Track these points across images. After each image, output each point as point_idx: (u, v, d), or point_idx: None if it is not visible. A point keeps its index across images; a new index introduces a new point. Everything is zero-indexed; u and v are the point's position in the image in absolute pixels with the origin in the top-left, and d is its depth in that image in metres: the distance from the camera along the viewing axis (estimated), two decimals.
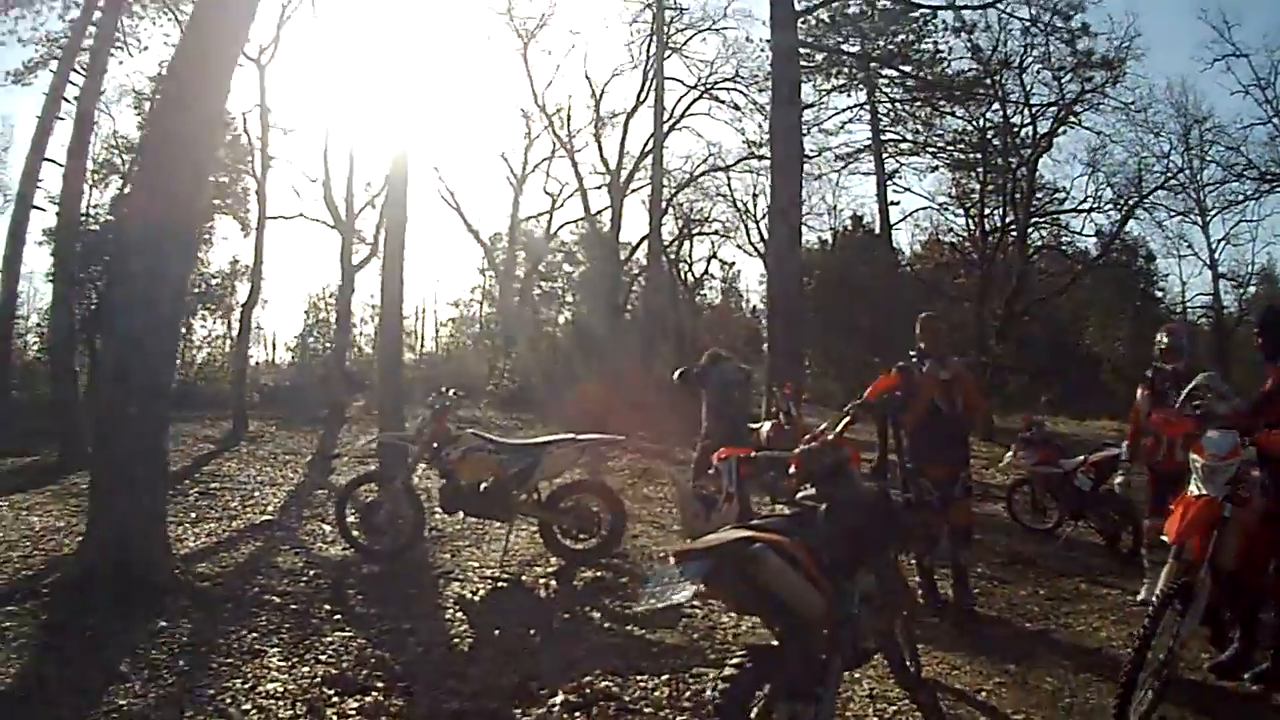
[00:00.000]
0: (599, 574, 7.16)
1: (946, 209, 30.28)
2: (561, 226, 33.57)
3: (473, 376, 23.63)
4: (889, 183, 28.74)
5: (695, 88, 28.27)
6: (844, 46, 24.57)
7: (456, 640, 5.50)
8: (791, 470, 4.24)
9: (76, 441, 11.77)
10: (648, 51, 26.45)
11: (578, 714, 4.24)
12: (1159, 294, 33.11)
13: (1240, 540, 4.42)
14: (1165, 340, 6.76)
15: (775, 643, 3.42)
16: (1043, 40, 22.65)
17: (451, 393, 8.05)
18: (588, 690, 4.48)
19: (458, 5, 36.03)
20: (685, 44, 27.59)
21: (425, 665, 4.90)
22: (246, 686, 4.44)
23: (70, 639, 4.96)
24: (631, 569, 7.39)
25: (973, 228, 29.69)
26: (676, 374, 9.92)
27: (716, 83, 27.98)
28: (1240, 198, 27.51)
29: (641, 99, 27.27)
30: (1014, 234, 27.64)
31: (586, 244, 32.74)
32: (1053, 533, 9.09)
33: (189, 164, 6.10)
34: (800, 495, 3.98)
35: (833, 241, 32.39)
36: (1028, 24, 21.30)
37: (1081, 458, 8.89)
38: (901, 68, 23.91)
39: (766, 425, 9.85)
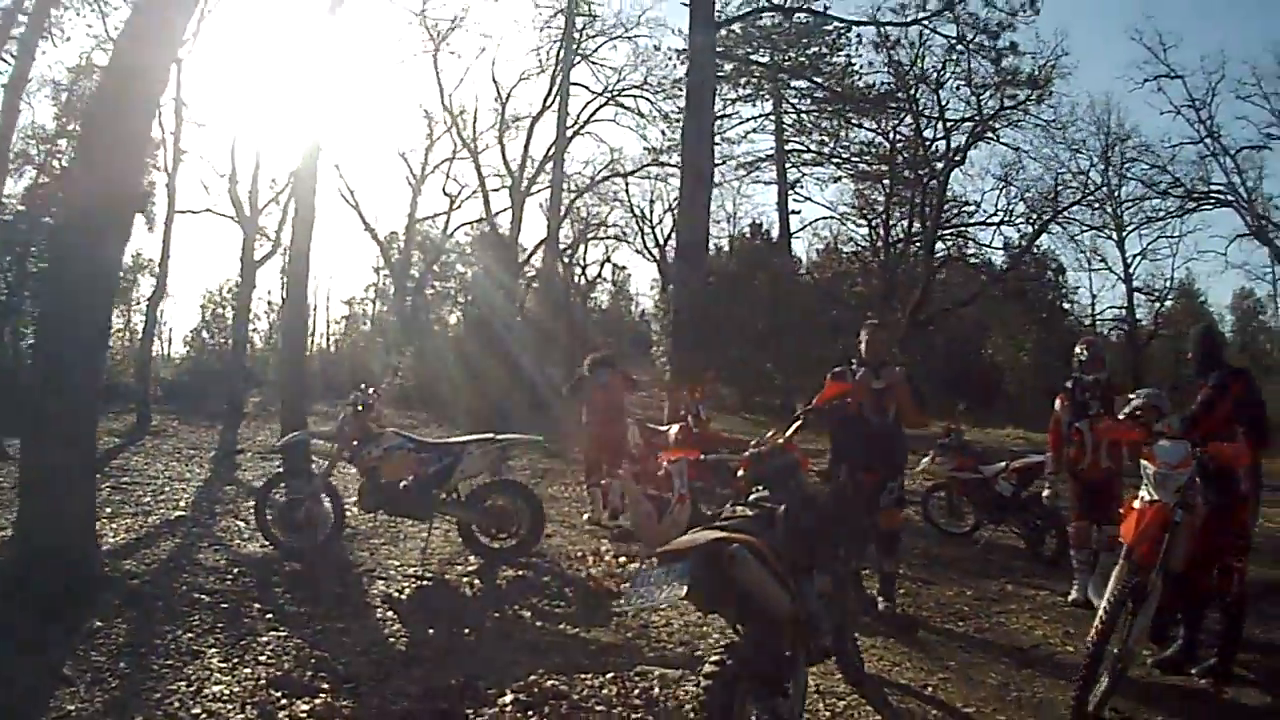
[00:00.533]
0: (520, 573, 7.27)
1: (848, 219, 31.21)
2: (459, 228, 33.86)
3: (365, 374, 23.44)
4: (790, 192, 29.37)
5: (601, 94, 28.70)
6: (753, 57, 25.01)
7: (392, 639, 5.58)
8: (740, 472, 4.46)
9: None
10: (557, 57, 26.67)
11: (529, 713, 4.32)
12: (1067, 306, 34.16)
13: (1188, 544, 4.68)
14: (1085, 352, 7.01)
15: (738, 640, 3.49)
16: (966, 58, 23.31)
17: (371, 391, 8.10)
18: (535, 689, 4.56)
19: (371, 5, 35.57)
20: (595, 51, 28.01)
21: (366, 665, 4.97)
22: (191, 689, 4.47)
23: (6, 640, 4.91)
24: (550, 567, 7.53)
25: (875, 238, 30.63)
26: (566, 390, 10.22)
27: (624, 89, 28.44)
28: (1161, 214, 29.18)
29: (548, 104, 27.59)
30: (919, 244, 28.56)
31: (482, 245, 32.69)
32: (969, 536, 9.34)
33: (130, 143, 6.06)
34: (754, 497, 4.10)
35: (730, 248, 32.92)
36: (953, 41, 21.92)
37: (1003, 464, 9.13)
38: (813, 79, 24.53)
39: (674, 428, 10.11)
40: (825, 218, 32.47)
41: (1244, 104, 29.06)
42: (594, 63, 28.46)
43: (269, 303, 32.94)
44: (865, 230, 31.50)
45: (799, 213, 33.15)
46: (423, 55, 28.10)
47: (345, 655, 5.14)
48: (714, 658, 3.27)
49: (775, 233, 30.61)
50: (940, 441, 9.60)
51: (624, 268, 49.72)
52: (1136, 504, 4.83)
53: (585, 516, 9.73)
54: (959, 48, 22.48)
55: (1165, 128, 58.60)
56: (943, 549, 8.95)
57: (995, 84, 23.86)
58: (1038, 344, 31.71)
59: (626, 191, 34.27)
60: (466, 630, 5.77)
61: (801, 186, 30.22)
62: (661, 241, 36.49)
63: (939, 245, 28.95)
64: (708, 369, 12.17)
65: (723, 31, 22.07)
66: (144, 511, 8.83)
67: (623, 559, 7.86)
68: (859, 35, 24.15)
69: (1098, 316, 33.76)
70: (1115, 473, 6.71)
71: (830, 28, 24.13)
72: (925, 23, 21.31)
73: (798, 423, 4.88)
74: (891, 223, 30.13)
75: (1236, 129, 43.56)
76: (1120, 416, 5.82)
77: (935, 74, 24.84)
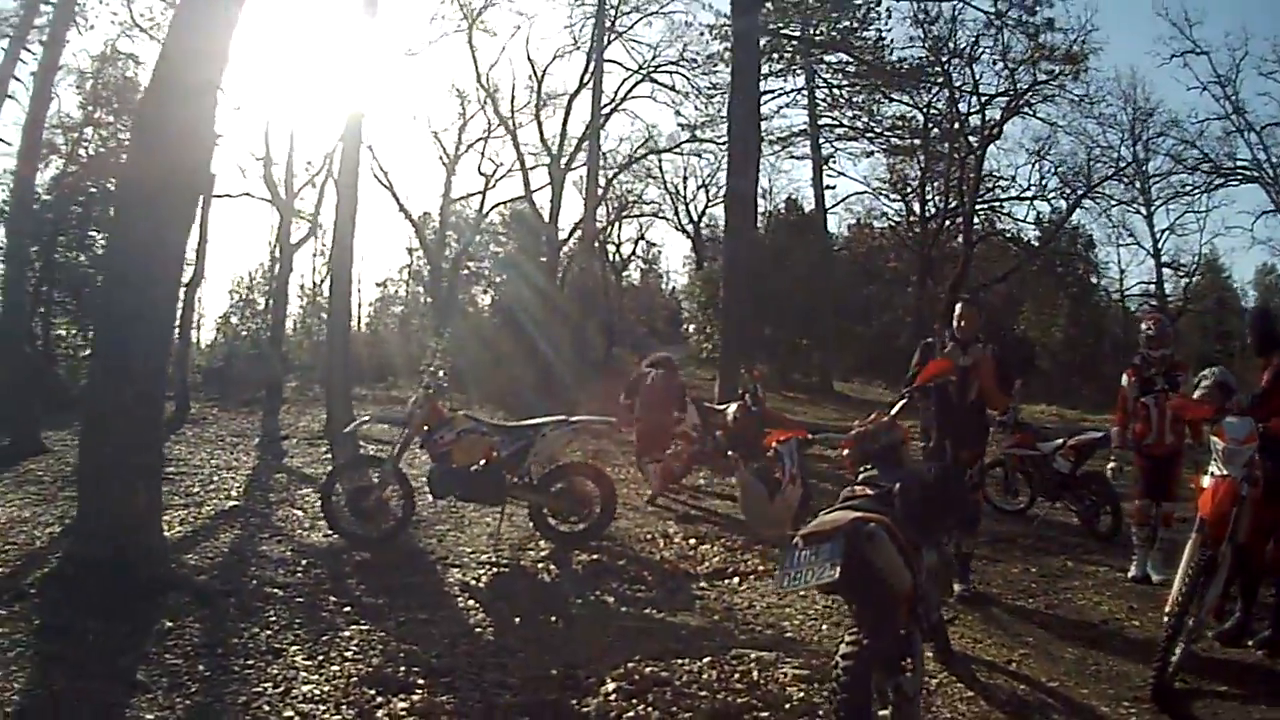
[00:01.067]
0: (595, 557, 7.02)
1: (881, 194, 30.76)
2: (494, 208, 33.09)
3: (402, 357, 23.24)
4: (824, 167, 28.84)
5: (637, 71, 28.19)
6: (785, 31, 24.48)
7: (479, 630, 5.31)
8: (845, 451, 4.37)
9: (28, 426, 11.13)
10: (592, 35, 26.11)
11: (634, 700, 4.14)
12: (1096, 281, 33.94)
13: (1250, 518, 4.71)
14: (1150, 329, 6.97)
15: (863, 620, 3.49)
16: (1003, 33, 23.01)
17: (442, 374, 7.83)
18: (636, 677, 4.40)
19: None
20: (630, 28, 27.50)
21: (458, 658, 4.69)
22: (279, 691, 4.15)
23: (74, 645, 4.52)
24: (623, 551, 7.32)
25: (909, 213, 30.22)
26: (622, 394, 10.38)
27: (659, 66, 27.88)
28: (1189, 189, 28.66)
29: (584, 81, 26.99)
30: (952, 219, 28.18)
31: (515, 224, 32.30)
32: (1024, 513, 9.28)
33: (193, 127, 5.72)
34: (863, 476, 4.07)
35: (766, 224, 32.42)
36: (990, 15, 21.47)
37: (1060, 440, 9.05)
38: (847, 53, 24.08)
39: (733, 407, 9.90)
40: (859, 193, 32.06)
41: (1267, 81, 29.13)
42: (629, 40, 27.99)
43: (301, 287, 32.74)
44: (899, 205, 31.04)
45: (834, 188, 32.47)
46: (456, 34, 27.21)
47: (434, 648, 4.86)
48: (849, 638, 3.32)
49: (810, 209, 30.01)
50: (999, 419, 9.31)
51: (654, 244, 49.14)
52: (1207, 480, 4.86)
53: (646, 498, 9.52)
54: (995, 23, 22.11)
55: (1192, 103, 57.00)
56: (1001, 526, 8.84)
57: (1031, 59, 23.53)
58: (1069, 319, 31.76)
59: (660, 168, 33.76)
60: (554, 618, 5.54)
61: (835, 161, 29.67)
62: (695, 217, 36.10)
63: (976, 220, 28.44)
64: (752, 364, 11.98)
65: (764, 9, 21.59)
66: (196, 502, 8.49)
67: (693, 540, 7.71)
68: (889, 10, 24.03)
69: (1125, 291, 33.54)
70: (1178, 449, 6.74)
71: (860, 2, 23.73)
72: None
73: (903, 402, 5.09)
74: (926, 198, 29.69)
75: (1260, 105, 43.94)
76: (1195, 395, 5.71)
77: (969, 49, 24.45)
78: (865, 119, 27.09)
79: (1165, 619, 4.58)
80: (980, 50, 24.36)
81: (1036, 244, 30.43)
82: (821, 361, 25.83)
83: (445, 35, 33.16)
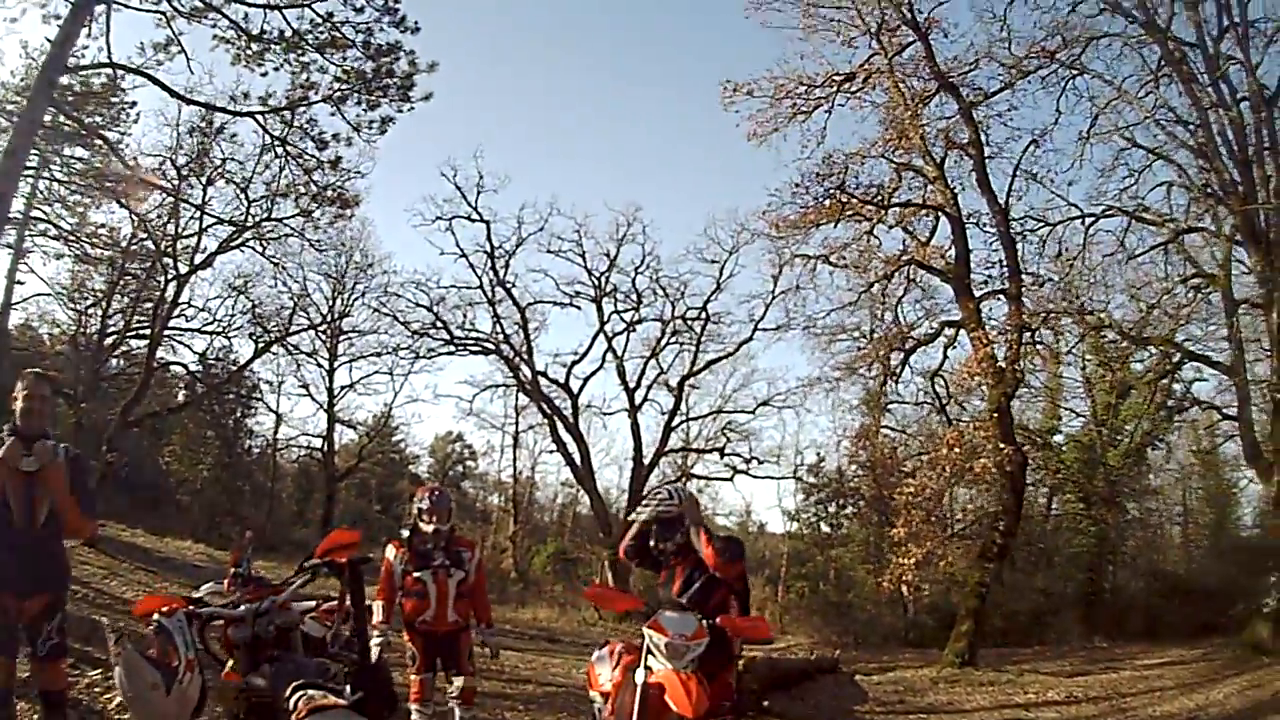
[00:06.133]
0: None
1: (61, 299, 28.09)
2: None
3: None
4: (22, 260, 25.43)
5: None
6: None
7: None
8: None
9: None
10: None
11: None
12: (254, 425, 35.24)
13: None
14: (426, 500, 6.29)
15: None
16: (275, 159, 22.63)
17: None
18: None
19: None
20: None
21: None
22: None
23: None
24: None
25: (80, 325, 28.34)
26: None
27: None
28: (384, 351, 31.68)
29: None
30: (141, 341, 27.44)
31: None
32: None
33: None
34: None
35: None
36: (278, 140, 19.87)
37: (312, 603, 7.54)
38: (85, 148, 22.04)
39: None
40: (40, 294, 28.19)
41: (549, 258, 33.84)
42: None
43: None
44: (75, 315, 28.50)
45: (23, 284, 27.52)
46: None
47: None
48: None
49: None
50: (233, 570, 8.76)
51: None
52: (640, 677, 4.51)
53: None
54: (276, 149, 20.81)
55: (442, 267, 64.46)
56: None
57: (294, 194, 23.55)
58: (217, 460, 32.56)
59: None
60: None
61: (30, 255, 26.18)
62: None
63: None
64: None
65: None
66: None
67: None
68: (139, 113, 22.93)
69: (285, 440, 35.47)
70: (464, 627, 6.30)
71: (117, 100, 21.92)
72: (259, 116, 19.26)
73: None
74: (108, 314, 28.13)
75: (531, 282, 47.44)
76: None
77: (220, 163, 24.49)
78: (76, 220, 25.17)
79: None
80: (223, 172, 24.53)
81: (203, 380, 30.70)
82: None
83: None
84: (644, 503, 5.47)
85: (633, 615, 5.63)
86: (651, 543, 5.32)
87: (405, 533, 6.34)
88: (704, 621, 4.57)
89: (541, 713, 9.28)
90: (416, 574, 6.16)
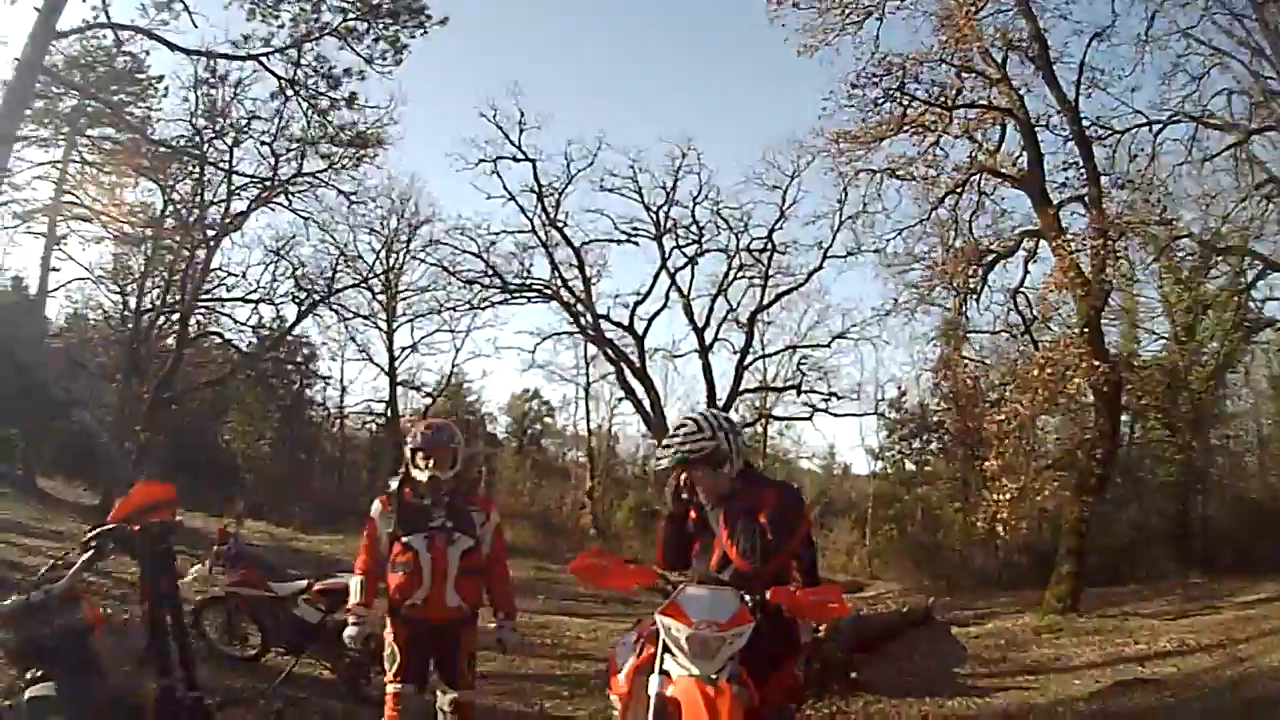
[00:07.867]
0: None
1: (102, 283, 27.43)
2: None
3: None
4: (55, 247, 24.77)
5: None
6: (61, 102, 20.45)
7: None
8: None
9: None
10: None
11: None
12: (314, 395, 34.14)
13: None
14: (420, 437, 4.76)
15: None
16: (286, 106, 21.61)
17: None
18: None
19: None
20: None
21: None
22: None
23: None
24: None
25: (124, 306, 27.67)
26: None
27: None
28: (457, 305, 29.56)
29: None
30: (175, 316, 26.56)
31: None
32: (258, 661, 7.55)
33: None
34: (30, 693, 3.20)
35: None
36: (286, 83, 19.12)
37: (304, 582, 7.37)
38: (115, 127, 21.01)
39: None
40: (81, 279, 27.52)
41: (609, 196, 30.25)
42: None
43: None
44: (118, 297, 27.83)
45: (58, 270, 26.85)
46: None
47: None
48: None
49: (35, 292, 25.30)
50: (218, 546, 8.02)
51: None
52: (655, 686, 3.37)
53: None
54: (286, 91, 19.77)
55: (488, 212, 58.99)
56: (234, 677, 6.96)
57: (312, 140, 22.46)
58: (278, 433, 31.70)
59: None
60: None
61: (66, 243, 25.10)
62: None
63: (194, 319, 26.97)
64: None
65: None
66: None
67: None
68: (166, 88, 21.92)
69: (349, 409, 34.18)
70: (468, 617, 4.77)
71: (143, 76, 21.35)
72: (264, 59, 18.47)
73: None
74: (145, 290, 27.16)
75: (588, 222, 44.86)
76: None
77: (241, 123, 23.08)
78: (105, 199, 24.33)
79: None
80: (248, 131, 23.31)
81: (250, 351, 29.49)
82: (25, 453, 22.37)
83: None
84: (664, 443, 3.89)
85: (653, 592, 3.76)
86: (685, 498, 3.89)
87: (394, 484, 4.79)
88: (748, 600, 3.41)
89: (587, 701, 7.54)
90: (405, 538, 4.62)
